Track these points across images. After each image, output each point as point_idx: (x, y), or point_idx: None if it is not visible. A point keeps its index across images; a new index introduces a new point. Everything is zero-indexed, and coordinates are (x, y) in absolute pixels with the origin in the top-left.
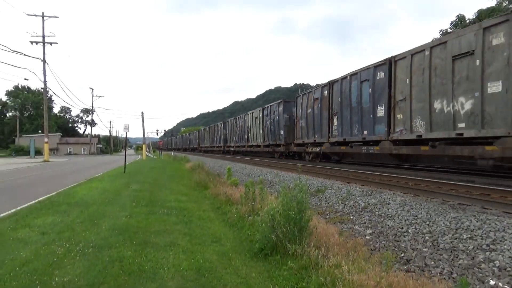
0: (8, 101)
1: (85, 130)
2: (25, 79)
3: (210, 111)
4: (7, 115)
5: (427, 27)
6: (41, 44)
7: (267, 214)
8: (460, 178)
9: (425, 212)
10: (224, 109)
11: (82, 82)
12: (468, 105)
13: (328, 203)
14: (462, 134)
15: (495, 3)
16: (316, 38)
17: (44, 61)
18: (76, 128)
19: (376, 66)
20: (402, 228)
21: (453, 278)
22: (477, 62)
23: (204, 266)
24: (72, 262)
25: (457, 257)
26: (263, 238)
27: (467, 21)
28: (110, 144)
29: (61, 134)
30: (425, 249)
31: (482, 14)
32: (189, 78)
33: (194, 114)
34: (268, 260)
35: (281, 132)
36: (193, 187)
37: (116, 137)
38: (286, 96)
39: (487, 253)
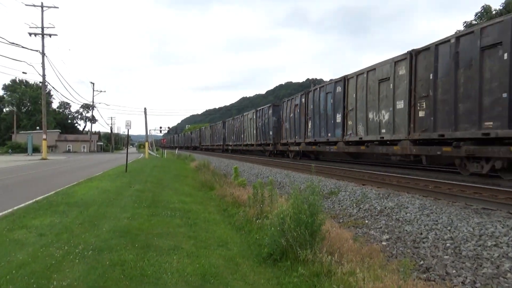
0: (5, 95)
1: (85, 126)
2: (23, 72)
3: (217, 107)
4: (4, 110)
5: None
6: (40, 36)
7: (277, 217)
8: (484, 181)
9: (446, 216)
10: (231, 105)
11: (83, 76)
12: (386, 116)
13: (342, 206)
14: (383, 137)
15: None
16: (329, 30)
17: (43, 54)
18: (76, 124)
19: (336, 82)
20: (421, 233)
21: None
22: (391, 85)
23: (210, 272)
24: (71, 265)
25: (481, 266)
26: (272, 242)
27: (493, 12)
28: (111, 142)
29: (59, 130)
30: (446, 257)
31: (510, 5)
32: (195, 73)
33: (199, 110)
34: (277, 266)
35: (270, 133)
36: (198, 187)
37: (117, 135)
38: (297, 91)
39: None
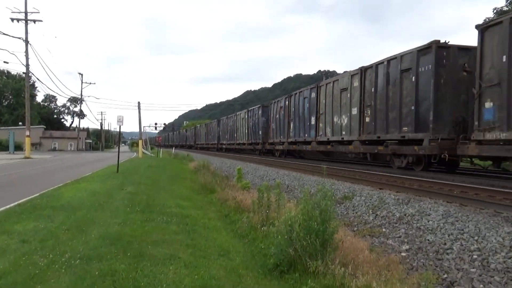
0: None
1: (72, 122)
2: (4, 62)
3: (218, 101)
4: None
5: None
6: (23, 22)
7: (284, 224)
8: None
9: (473, 225)
10: (234, 99)
11: (70, 66)
12: (345, 121)
13: (357, 212)
14: (343, 138)
15: None
16: (343, 17)
17: (26, 42)
18: (62, 120)
19: (311, 88)
20: (445, 244)
21: None
22: (349, 95)
23: (210, 284)
24: (56, 276)
25: (511, 280)
26: (279, 252)
27: None
28: (101, 139)
29: (44, 126)
30: (472, 270)
31: None
32: (194, 64)
33: (199, 105)
34: (284, 279)
35: (260, 132)
36: (197, 190)
37: (108, 131)
38: (307, 84)
39: None
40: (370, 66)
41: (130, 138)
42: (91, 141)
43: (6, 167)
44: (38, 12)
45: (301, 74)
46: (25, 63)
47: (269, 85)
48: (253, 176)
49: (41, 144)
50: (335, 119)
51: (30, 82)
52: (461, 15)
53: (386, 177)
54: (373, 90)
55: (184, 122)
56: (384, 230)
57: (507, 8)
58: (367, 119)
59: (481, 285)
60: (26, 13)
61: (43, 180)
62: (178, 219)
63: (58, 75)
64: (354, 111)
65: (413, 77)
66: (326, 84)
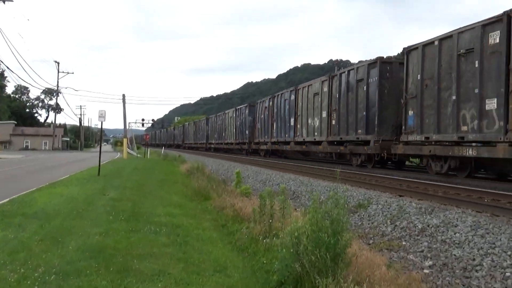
0: None
1: (47, 117)
2: None
3: (214, 95)
4: None
5: None
6: None
7: (290, 236)
8: None
9: (506, 238)
10: (233, 92)
11: (45, 53)
12: (317, 123)
13: (373, 223)
14: (315, 139)
15: None
16: None
17: None
18: (36, 115)
19: (290, 91)
20: (473, 259)
21: None
22: (320, 99)
23: None
24: None
25: None
26: (284, 268)
27: None
28: (80, 137)
29: (15, 122)
30: None
31: None
32: (188, 51)
33: (193, 99)
34: None
35: (247, 132)
36: (190, 196)
37: (88, 128)
38: (316, 76)
39: None
40: (336, 74)
41: (112, 135)
42: (68, 139)
43: None
44: None
45: (309, 64)
46: None
47: (273, 76)
48: (254, 180)
49: (11, 142)
50: (309, 121)
51: None
52: None
53: (406, 182)
54: (337, 96)
55: (176, 118)
56: (404, 243)
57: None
58: (333, 122)
59: None
60: None
61: (14, 184)
62: (168, 229)
63: (31, 63)
64: (324, 114)
65: (365, 87)
66: (303, 88)
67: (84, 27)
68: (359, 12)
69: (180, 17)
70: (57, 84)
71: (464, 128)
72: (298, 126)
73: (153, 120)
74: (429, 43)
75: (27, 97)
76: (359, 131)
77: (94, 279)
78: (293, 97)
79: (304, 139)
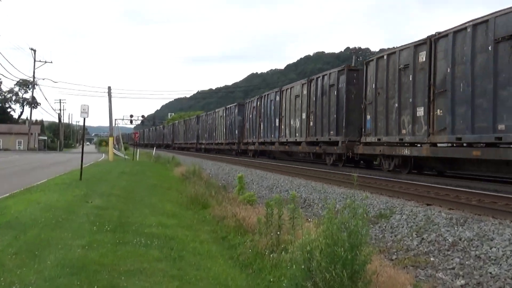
0: None
1: (21, 113)
2: None
3: (214, 87)
4: None
5: None
6: None
7: (301, 250)
8: None
9: None
10: (236, 85)
11: (20, 40)
12: (298, 124)
13: (396, 235)
14: (296, 139)
15: None
16: None
17: None
18: (9, 110)
19: (275, 92)
20: None
21: None
22: (300, 101)
23: None
24: None
25: None
26: (294, 287)
27: None
28: (60, 136)
29: None
30: None
31: None
32: (183, 39)
33: (189, 92)
34: None
35: (236, 132)
36: (186, 204)
37: (68, 126)
38: (331, 66)
39: None
40: (313, 78)
41: (94, 134)
42: (46, 138)
43: None
44: None
45: (323, 52)
46: None
47: (281, 66)
48: (259, 186)
49: None
50: (291, 122)
51: None
52: None
53: (435, 189)
54: (314, 99)
55: (169, 114)
56: (432, 259)
57: None
58: (311, 123)
59: None
60: None
61: None
62: (161, 241)
63: (3, 51)
64: (303, 116)
65: (335, 92)
66: (286, 90)
67: (64, 9)
68: None
69: (168, 3)
70: (33, 75)
71: (404, 131)
72: (282, 126)
73: (143, 116)
74: (380, 56)
75: None
76: (331, 132)
77: None
78: (278, 98)
79: (287, 140)
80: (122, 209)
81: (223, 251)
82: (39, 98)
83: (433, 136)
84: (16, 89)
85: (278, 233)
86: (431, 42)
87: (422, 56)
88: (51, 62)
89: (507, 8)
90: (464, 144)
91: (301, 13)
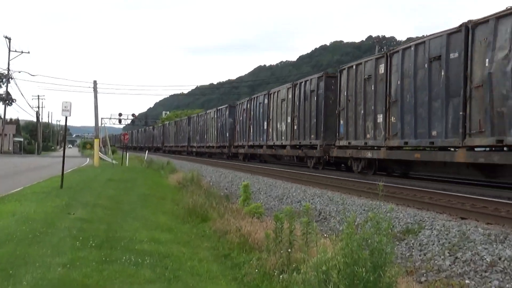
0: None
1: None
2: None
3: (215, 82)
4: None
5: None
6: None
7: (316, 271)
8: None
9: None
10: (240, 79)
11: None
12: (284, 127)
13: (426, 254)
14: (282, 143)
15: None
16: None
17: None
18: None
19: (264, 95)
20: None
21: None
22: (285, 105)
23: None
24: None
25: None
26: None
27: None
28: (38, 137)
29: None
30: None
31: None
32: (181, 26)
33: (186, 87)
34: None
35: (227, 134)
36: (183, 217)
37: (47, 126)
38: (350, 57)
39: None
40: (297, 83)
41: (74, 135)
42: (22, 139)
43: None
44: None
45: (342, 41)
46: None
47: (293, 58)
48: (267, 196)
49: None
50: (278, 126)
51: None
52: None
53: (471, 200)
54: (298, 104)
55: (163, 113)
56: (467, 281)
57: None
58: (295, 127)
59: None
60: None
61: None
62: (154, 260)
63: None
64: (289, 119)
65: (315, 97)
66: (274, 93)
67: None
68: None
69: None
70: (8, 67)
71: (368, 135)
72: (270, 130)
73: (133, 115)
74: (351, 66)
75: None
76: (312, 136)
77: None
78: (266, 101)
79: (274, 143)
80: (109, 222)
81: (225, 271)
82: (14, 94)
83: (389, 140)
84: None
85: (289, 250)
86: (387, 57)
87: (381, 69)
88: (28, 52)
89: (438, 33)
90: (410, 148)
91: None
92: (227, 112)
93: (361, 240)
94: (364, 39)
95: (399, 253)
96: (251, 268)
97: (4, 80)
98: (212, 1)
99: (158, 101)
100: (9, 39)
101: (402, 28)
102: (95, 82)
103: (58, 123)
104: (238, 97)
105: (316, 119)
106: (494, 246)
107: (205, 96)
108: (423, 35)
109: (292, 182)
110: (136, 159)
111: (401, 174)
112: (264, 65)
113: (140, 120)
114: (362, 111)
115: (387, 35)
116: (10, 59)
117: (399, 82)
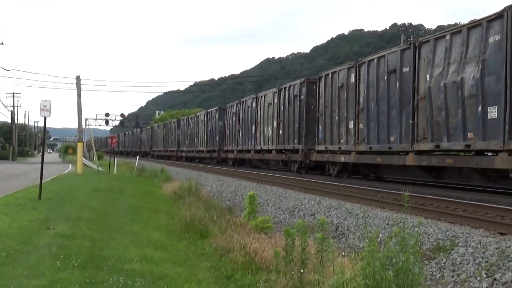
0: None
1: None
2: None
3: (216, 78)
4: None
5: None
6: None
7: None
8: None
9: None
10: (245, 73)
11: None
12: (270, 132)
13: (459, 274)
14: (269, 147)
15: None
16: None
17: None
18: None
19: (252, 98)
20: None
21: None
22: (271, 109)
23: None
24: None
25: None
26: None
27: None
28: (13, 141)
29: None
30: None
31: None
32: (176, 15)
33: (183, 84)
34: None
35: (217, 138)
36: (179, 232)
37: (24, 127)
38: (371, 49)
39: None
40: (282, 88)
41: (53, 138)
42: None
43: None
44: None
45: (362, 30)
46: None
47: (306, 49)
48: (276, 208)
49: None
50: (265, 130)
51: None
52: None
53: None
54: (283, 108)
55: (157, 113)
56: None
57: None
58: (280, 132)
59: None
60: None
61: None
62: (145, 282)
63: None
64: (274, 124)
65: (298, 102)
66: (261, 97)
67: None
68: None
69: None
70: None
71: (341, 141)
72: (258, 134)
73: (122, 115)
74: (327, 74)
75: None
76: (295, 141)
77: None
78: (254, 104)
79: (261, 148)
80: (94, 238)
81: None
82: None
83: (358, 145)
84: None
85: (302, 271)
86: (357, 67)
87: (352, 78)
88: (2, 44)
89: (394, 48)
90: (373, 152)
91: None
92: (217, 115)
93: (384, 259)
94: (387, 28)
95: (428, 274)
96: None
97: None
98: None
99: (150, 99)
100: None
101: (432, 15)
102: (78, 78)
103: (36, 124)
104: (242, 94)
105: (298, 124)
106: None
107: (204, 93)
108: (456, 23)
109: (305, 192)
110: (125, 166)
111: (376, 177)
112: (273, 58)
113: (130, 121)
114: (337, 118)
115: (414, 23)
116: None
117: (365, 92)
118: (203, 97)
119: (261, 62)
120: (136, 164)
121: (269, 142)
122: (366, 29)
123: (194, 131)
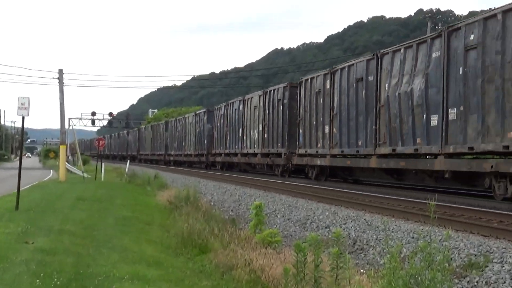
0: None
1: None
2: None
3: (217, 71)
4: None
5: None
6: None
7: None
8: None
9: None
10: (250, 66)
11: None
12: (256, 135)
13: None
14: (254, 151)
15: None
16: None
17: None
18: None
19: (240, 101)
20: None
21: None
22: (257, 113)
23: None
24: None
25: None
26: None
27: None
28: None
29: None
30: None
31: None
32: (168, 2)
33: (180, 78)
34: None
35: (205, 141)
36: (175, 247)
37: (0, 128)
38: (394, 38)
39: None
40: (267, 91)
41: (29, 139)
42: None
43: None
44: None
45: (383, 17)
46: None
47: (319, 39)
48: (285, 219)
49: None
50: (251, 133)
51: None
52: None
53: None
54: (268, 112)
55: (150, 111)
56: None
57: None
58: (265, 135)
59: None
60: None
61: None
62: None
63: None
64: (260, 127)
65: (281, 106)
66: (248, 100)
67: None
68: None
69: None
70: None
71: (319, 144)
72: (244, 137)
73: (110, 114)
74: (306, 79)
75: None
76: (279, 144)
77: None
78: (241, 107)
79: (247, 151)
80: (79, 253)
81: None
82: None
83: (332, 149)
84: None
85: None
86: (331, 74)
87: (328, 84)
88: None
89: (361, 57)
90: (344, 156)
91: None
92: (205, 118)
93: (408, 277)
94: (412, 14)
95: None
96: None
97: None
98: None
99: (143, 96)
100: None
101: (462, 1)
102: (60, 72)
103: (13, 125)
104: (247, 90)
105: (282, 128)
106: None
107: (204, 89)
108: (490, 8)
109: (318, 202)
110: (113, 172)
111: (354, 180)
112: (282, 49)
113: (119, 121)
114: (315, 122)
115: (443, 8)
116: None
117: (338, 98)
118: (202, 93)
119: (269, 53)
120: (126, 170)
121: (255, 146)
122: (387, 16)
123: (183, 134)
